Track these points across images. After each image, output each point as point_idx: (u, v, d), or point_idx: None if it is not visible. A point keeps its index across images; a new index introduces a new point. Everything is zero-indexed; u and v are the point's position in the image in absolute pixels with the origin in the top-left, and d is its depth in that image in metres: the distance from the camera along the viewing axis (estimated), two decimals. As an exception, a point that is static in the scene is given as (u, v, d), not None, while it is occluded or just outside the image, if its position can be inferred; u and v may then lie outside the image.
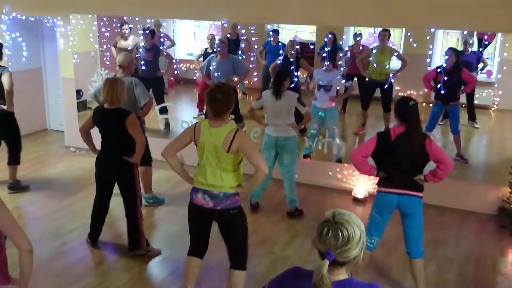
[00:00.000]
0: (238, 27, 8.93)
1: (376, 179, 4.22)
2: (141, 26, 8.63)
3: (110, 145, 4.65)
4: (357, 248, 1.93)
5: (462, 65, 6.83)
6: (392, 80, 7.82)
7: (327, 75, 6.73)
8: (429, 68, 7.11)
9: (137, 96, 5.38)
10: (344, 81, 7.24)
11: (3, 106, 5.99)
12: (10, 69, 6.07)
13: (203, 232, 3.87)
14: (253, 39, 8.54)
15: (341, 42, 8.87)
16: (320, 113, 6.74)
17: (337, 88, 6.94)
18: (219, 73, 7.28)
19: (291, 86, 7.42)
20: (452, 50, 6.77)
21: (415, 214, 4.06)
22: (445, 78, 6.70)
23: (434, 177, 3.99)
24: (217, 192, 3.62)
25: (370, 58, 7.89)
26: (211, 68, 7.39)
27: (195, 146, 3.70)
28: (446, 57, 6.78)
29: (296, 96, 5.51)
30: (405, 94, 8.69)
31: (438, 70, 6.84)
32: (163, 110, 7.56)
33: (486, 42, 8.86)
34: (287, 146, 5.55)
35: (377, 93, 7.99)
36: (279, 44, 8.72)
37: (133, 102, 5.35)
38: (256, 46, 9.10)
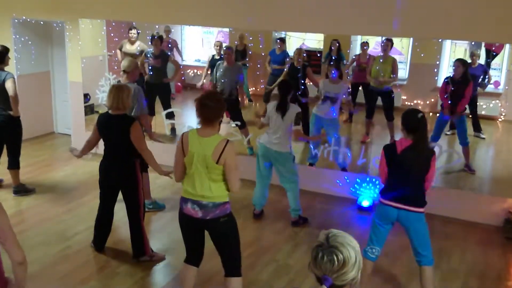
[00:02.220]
0: (247, 33, 8.96)
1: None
2: (149, 32, 8.68)
3: (114, 151, 4.64)
4: (353, 270, 1.90)
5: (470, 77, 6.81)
6: (393, 89, 7.80)
7: (334, 88, 6.67)
8: (436, 78, 7.09)
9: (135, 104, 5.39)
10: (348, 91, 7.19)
11: (10, 112, 6.01)
12: (13, 75, 6.07)
13: (197, 240, 3.83)
14: (260, 46, 8.58)
15: (348, 51, 8.88)
16: (323, 122, 6.72)
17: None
18: (225, 80, 7.29)
19: (298, 93, 7.48)
20: (460, 61, 6.75)
21: (416, 228, 4.03)
22: (453, 89, 6.68)
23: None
24: (206, 202, 3.58)
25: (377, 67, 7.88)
26: (217, 74, 7.41)
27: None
28: (454, 68, 6.76)
29: (298, 110, 5.46)
30: (412, 104, 8.70)
31: (446, 81, 6.82)
32: (170, 115, 7.59)
33: (494, 53, 8.84)
34: (279, 159, 5.51)
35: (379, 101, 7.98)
36: (284, 52, 8.74)
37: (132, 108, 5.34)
38: (263, 54, 9.13)
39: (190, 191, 3.61)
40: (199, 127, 3.62)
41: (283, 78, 7.32)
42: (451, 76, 6.81)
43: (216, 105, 3.51)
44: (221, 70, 7.36)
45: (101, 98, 7.37)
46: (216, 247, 3.78)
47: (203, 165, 3.52)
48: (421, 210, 4.01)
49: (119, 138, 4.56)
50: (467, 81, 6.67)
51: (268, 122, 5.61)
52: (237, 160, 3.55)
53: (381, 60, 7.81)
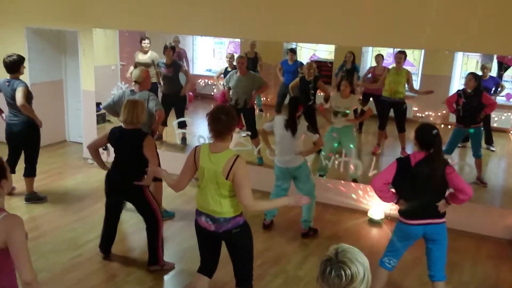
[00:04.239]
0: (259, 44, 9.01)
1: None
2: (162, 43, 8.76)
3: (123, 164, 4.67)
4: (361, 286, 1.90)
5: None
6: (405, 100, 7.80)
7: (344, 102, 6.67)
8: (448, 90, 7.08)
9: (151, 108, 5.45)
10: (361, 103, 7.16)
11: (26, 120, 6.06)
12: (25, 84, 6.10)
13: (212, 250, 3.86)
14: (271, 57, 8.64)
15: (359, 63, 8.90)
16: (337, 131, 6.71)
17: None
18: (238, 90, 7.33)
19: (309, 104, 7.50)
20: (472, 75, 6.75)
21: (441, 240, 4.02)
22: (465, 102, 6.66)
23: (453, 201, 3.96)
24: (217, 217, 3.61)
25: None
26: (230, 84, 7.45)
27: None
28: (466, 81, 6.75)
29: (305, 125, 5.48)
30: (423, 115, 8.68)
31: (458, 93, 6.81)
32: (182, 125, 7.64)
33: (506, 66, 8.82)
34: (300, 175, 5.52)
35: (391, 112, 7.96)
36: (297, 63, 8.77)
37: (149, 114, 5.39)
38: (274, 64, 9.17)
39: (203, 204, 3.65)
40: (210, 141, 3.64)
41: (293, 94, 7.39)
42: (463, 89, 6.79)
43: (227, 119, 3.52)
44: (234, 80, 7.38)
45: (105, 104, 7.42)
46: (230, 255, 3.81)
47: (213, 181, 3.54)
48: (444, 219, 4.00)
49: (130, 152, 4.60)
50: (480, 93, 6.65)
51: (270, 129, 5.61)
52: (248, 174, 3.53)
53: (390, 71, 7.79)
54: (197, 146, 3.67)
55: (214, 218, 3.61)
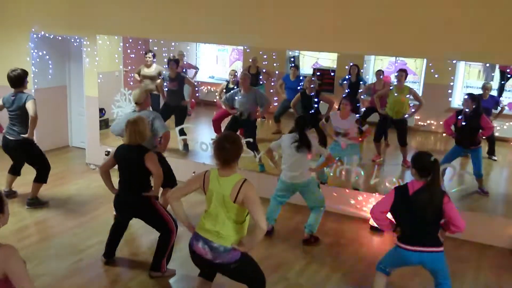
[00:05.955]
0: (260, 52, 9.03)
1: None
2: (166, 50, 8.81)
3: (129, 183, 4.73)
4: None
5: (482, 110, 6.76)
6: (407, 116, 7.80)
7: (344, 123, 6.64)
8: (450, 99, 7.06)
9: (155, 128, 5.50)
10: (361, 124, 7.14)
11: (23, 136, 6.09)
12: (34, 97, 6.19)
13: (209, 268, 3.88)
14: (274, 64, 8.63)
15: (361, 71, 8.91)
16: (342, 151, 6.70)
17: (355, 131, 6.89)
18: (244, 106, 7.36)
19: (311, 112, 7.49)
20: (470, 97, 6.70)
21: (439, 267, 4.03)
22: (464, 123, 6.65)
23: (445, 229, 4.03)
24: (217, 245, 3.57)
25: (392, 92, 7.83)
26: (236, 101, 7.47)
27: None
28: (464, 103, 6.72)
29: (315, 140, 5.51)
30: (425, 124, 8.68)
31: (458, 116, 6.77)
32: (181, 132, 7.67)
33: (509, 75, 8.83)
34: (306, 189, 5.59)
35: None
36: (299, 78, 8.76)
37: (152, 134, 5.44)
38: (277, 72, 9.19)
39: (207, 226, 3.61)
40: (218, 167, 3.65)
41: (295, 112, 7.49)
42: (463, 111, 6.75)
43: (232, 147, 3.54)
44: (239, 97, 7.41)
45: (116, 113, 7.47)
46: (236, 280, 3.85)
47: (222, 204, 3.56)
48: (442, 248, 4.01)
49: (133, 168, 4.66)
50: (479, 115, 6.62)
51: (277, 148, 5.67)
52: (258, 198, 3.52)
53: (395, 94, 7.75)
54: (206, 172, 3.68)
55: (212, 246, 3.57)
